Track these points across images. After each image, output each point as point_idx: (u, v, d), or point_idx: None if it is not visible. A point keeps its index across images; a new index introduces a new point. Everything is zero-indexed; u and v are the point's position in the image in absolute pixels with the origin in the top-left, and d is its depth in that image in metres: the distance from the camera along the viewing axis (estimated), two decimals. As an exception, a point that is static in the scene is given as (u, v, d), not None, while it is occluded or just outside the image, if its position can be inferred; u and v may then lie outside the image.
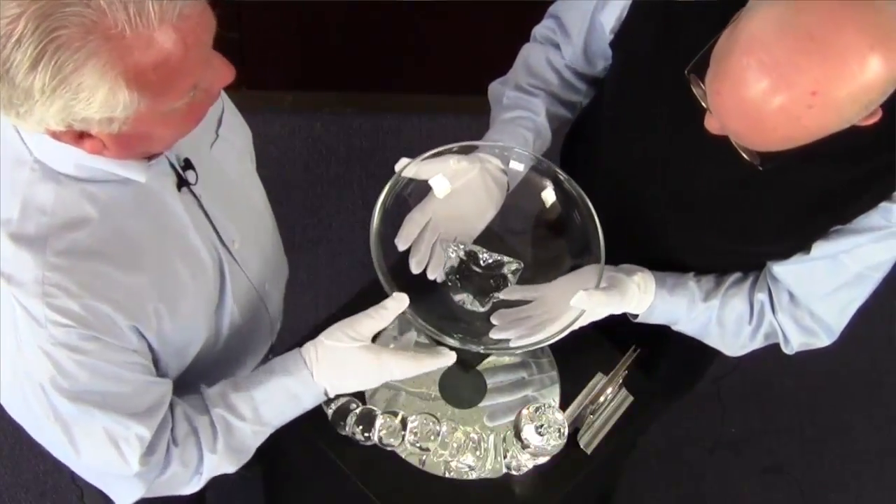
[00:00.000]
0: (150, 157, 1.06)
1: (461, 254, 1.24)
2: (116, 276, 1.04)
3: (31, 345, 1.02)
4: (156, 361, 1.17)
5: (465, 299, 1.26)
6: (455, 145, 1.25)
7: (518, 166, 1.29)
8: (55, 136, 0.94)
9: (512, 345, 1.22)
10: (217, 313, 1.26)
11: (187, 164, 1.14)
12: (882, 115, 1.00)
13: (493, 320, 1.24)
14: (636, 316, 1.35)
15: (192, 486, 1.23)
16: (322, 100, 2.68)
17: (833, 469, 2.40)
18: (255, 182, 1.36)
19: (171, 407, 1.19)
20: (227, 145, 1.21)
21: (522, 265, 1.26)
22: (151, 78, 0.88)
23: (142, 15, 0.85)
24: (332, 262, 2.50)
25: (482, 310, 1.26)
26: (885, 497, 2.38)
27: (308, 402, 1.24)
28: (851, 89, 0.93)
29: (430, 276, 1.25)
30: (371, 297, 1.43)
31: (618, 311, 1.30)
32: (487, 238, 1.28)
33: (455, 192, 1.25)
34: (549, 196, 1.29)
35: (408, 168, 1.23)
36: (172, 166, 1.12)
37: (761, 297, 1.33)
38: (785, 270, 1.29)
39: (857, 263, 1.23)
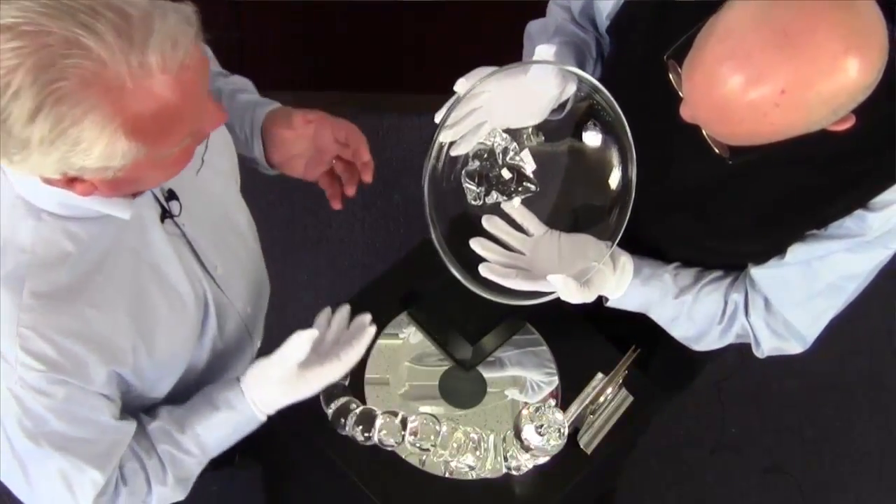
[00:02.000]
0: (134, 195, 1.05)
1: (502, 142, 1.25)
2: (93, 316, 1.03)
3: (2, 384, 1.01)
4: (128, 393, 1.16)
5: (471, 188, 1.26)
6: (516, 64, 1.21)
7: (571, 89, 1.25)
8: (47, 181, 0.92)
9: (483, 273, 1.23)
10: (199, 342, 1.25)
11: (171, 195, 1.13)
12: (856, 121, 0.99)
13: (482, 271, 1.23)
14: (607, 300, 1.35)
15: None
16: (322, 100, 2.67)
17: (833, 469, 2.39)
18: (239, 205, 1.34)
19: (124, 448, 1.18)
20: (212, 170, 1.19)
21: (537, 190, 1.27)
22: (151, 128, 0.88)
23: (143, 66, 0.84)
24: (332, 263, 2.50)
25: (476, 203, 1.27)
26: (885, 497, 2.38)
27: (248, 431, 1.27)
28: (820, 91, 0.92)
29: (455, 152, 1.23)
30: (371, 296, 1.44)
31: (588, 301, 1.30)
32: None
33: (509, 84, 1.21)
34: (610, 161, 1.26)
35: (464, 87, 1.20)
36: (156, 198, 1.11)
37: (736, 297, 1.33)
38: (761, 274, 1.29)
39: (831, 273, 1.23)
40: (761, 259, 1.29)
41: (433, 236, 1.21)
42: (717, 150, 1.08)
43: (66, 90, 0.82)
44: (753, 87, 0.93)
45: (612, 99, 1.19)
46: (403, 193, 2.50)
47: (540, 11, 1.46)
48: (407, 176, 2.54)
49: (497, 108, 1.22)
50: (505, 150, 1.26)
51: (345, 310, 1.34)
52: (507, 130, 1.26)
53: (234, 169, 1.31)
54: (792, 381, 2.47)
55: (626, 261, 1.31)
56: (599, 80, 1.20)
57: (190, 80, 0.88)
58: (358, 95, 2.69)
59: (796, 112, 0.94)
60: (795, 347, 1.34)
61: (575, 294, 1.23)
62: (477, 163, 1.26)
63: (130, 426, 1.17)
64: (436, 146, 1.19)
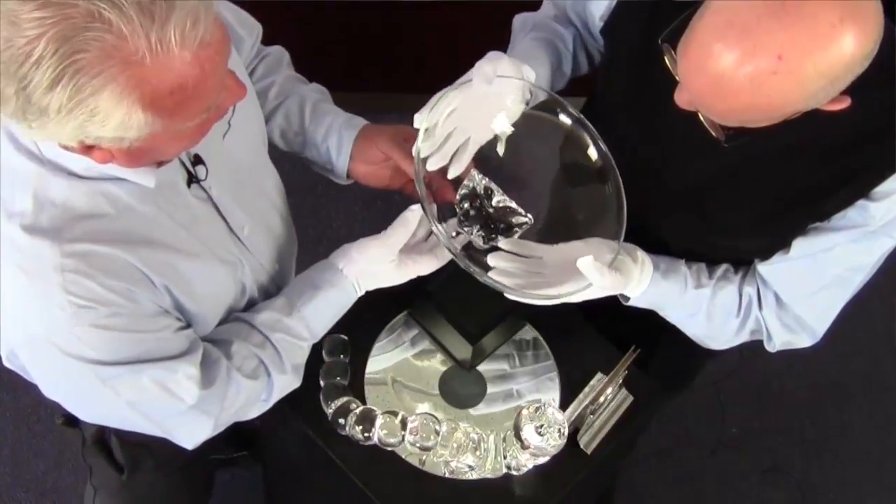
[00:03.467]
0: (159, 163, 1.06)
1: (480, 184, 1.25)
2: (130, 260, 1.06)
3: (59, 330, 1.03)
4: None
5: (471, 231, 1.27)
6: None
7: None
8: (65, 147, 0.95)
9: (508, 295, 1.23)
10: (237, 294, 1.28)
11: (196, 160, 1.15)
12: (853, 110, 1.00)
13: (490, 261, 1.24)
14: (628, 298, 1.34)
15: (257, 412, 1.28)
16: (322, 100, 2.68)
17: (833, 469, 2.39)
18: (267, 168, 1.37)
19: (228, 344, 1.22)
20: (239, 134, 1.21)
21: (532, 222, 1.27)
22: (168, 103, 0.89)
23: (163, 42, 0.85)
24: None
25: (483, 246, 1.27)
26: (885, 497, 2.38)
27: (346, 307, 1.32)
28: (817, 60, 0.92)
29: (452, 174, 1.25)
30: (372, 296, 1.43)
31: (615, 293, 1.29)
32: (510, 181, 1.28)
33: (473, 97, 1.22)
34: (590, 154, 1.27)
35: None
36: (182, 163, 1.13)
37: (750, 290, 1.33)
38: (768, 270, 1.29)
39: (836, 265, 1.23)
40: (766, 255, 1.29)
41: (461, 264, 1.20)
42: (712, 132, 1.08)
43: (86, 61, 0.83)
44: (750, 56, 0.93)
45: (555, 96, 1.23)
46: (403, 194, 2.50)
47: (539, 11, 1.46)
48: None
49: (471, 123, 1.23)
50: (487, 190, 1.27)
51: (418, 210, 1.35)
52: (480, 164, 1.26)
53: (261, 132, 1.33)
54: (792, 381, 2.47)
55: (643, 255, 1.30)
56: (596, 85, 1.21)
57: (209, 58, 0.89)
58: (358, 95, 2.69)
59: (793, 81, 0.94)
60: (806, 341, 1.34)
61: (607, 277, 1.20)
62: (467, 204, 1.27)
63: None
64: (422, 184, 1.18)
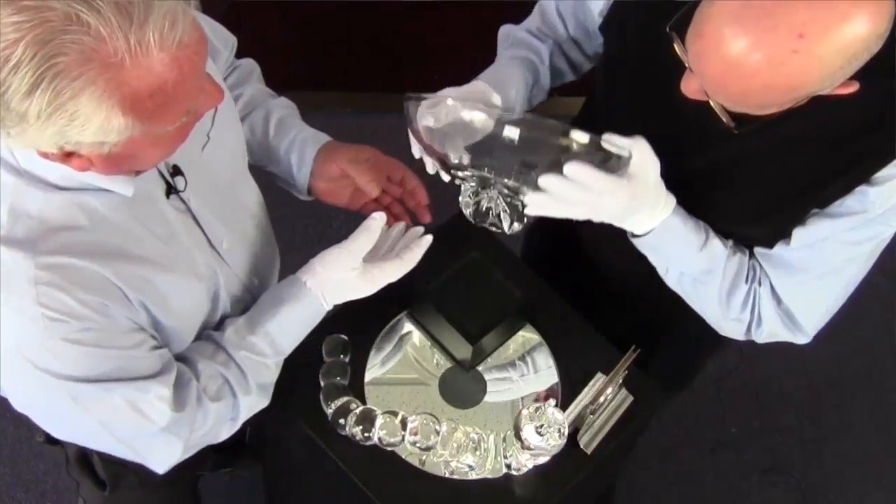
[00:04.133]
0: (136, 172, 1.05)
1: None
2: (105, 274, 1.05)
3: (31, 344, 1.02)
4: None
5: (497, 221, 1.26)
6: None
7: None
8: (43, 154, 0.94)
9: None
10: (212, 309, 1.26)
11: (176, 171, 1.13)
12: (860, 88, 1.00)
13: (542, 182, 1.15)
14: (637, 237, 1.27)
15: (230, 432, 1.26)
16: (322, 100, 2.68)
17: (833, 469, 2.39)
18: (247, 181, 1.35)
19: (195, 364, 1.20)
20: (218, 147, 1.20)
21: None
22: (147, 105, 0.88)
23: (142, 44, 0.85)
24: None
25: (513, 229, 1.27)
26: (885, 497, 2.38)
27: (315, 323, 1.30)
28: (836, 38, 0.93)
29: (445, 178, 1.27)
30: (371, 296, 1.43)
31: (624, 206, 1.18)
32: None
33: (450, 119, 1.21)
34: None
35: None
36: (161, 174, 1.12)
37: (755, 264, 1.30)
38: (764, 255, 1.27)
39: (832, 254, 1.21)
40: (764, 244, 1.28)
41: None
42: (723, 120, 1.07)
43: (65, 64, 0.83)
44: (770, 35, 0.93)
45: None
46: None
47: (539, 12, 1.46)
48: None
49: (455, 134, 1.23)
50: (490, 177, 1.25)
51: (400, 224, 1.37)
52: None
53: (241, 145, 1.32)
54: (792, 381, 2.47)
55: (665, 191, 1.22)
56: (596, 84, 1.20)
57: (188, 59, 0.89)
58: (358, 95, 2.70)
59: (812, 59, 0.94)
60: (795, 334, 1.31)
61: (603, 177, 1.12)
62: (480, 192, 1.25)
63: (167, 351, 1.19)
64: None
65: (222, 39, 1.35)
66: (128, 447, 1.17)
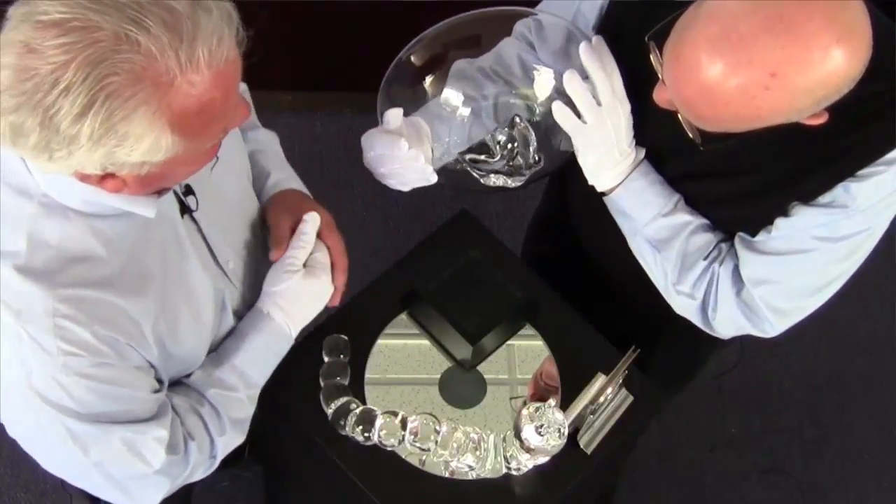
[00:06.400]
0: (160, 192, 1.05)
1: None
2: (122, 306, 1.04)
3: (42, 375, 1.01)
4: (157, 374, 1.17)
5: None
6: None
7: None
8: (83, 178, 0.92)
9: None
10: (217, 329, 1.26)
11: (188, 190, 1.13)
12: (829, 115, 1.01)
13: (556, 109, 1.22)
14: (604, 194, 1.30)
15: (206, 472, 1.25)
16: (322, 100, 2.68)
17: (833, 469, 2.39)
18: (252, 200, 1.34)
19: (172, 402, 1.19)
20: (226, 167, 1.20)
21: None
22: (195, 124, 0.88)
23: (192, 62, 0.85)
24: (332, 262, 2.50)
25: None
26: (885, 497, 2.38)
27: (284, 350, 1.28)
28: (809, 79, 0.94)
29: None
30: (371, 296, 1.44)
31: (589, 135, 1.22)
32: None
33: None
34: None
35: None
36: (175, 193, 1.12)
37: (723, 246, 1.29)
38: (742, 245, 1.26)
39: (807, 245, 1.20)
40: (750, 231, 1.26)
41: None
42: (689, 134, 1.09)
43: (118, 85, 0.82)
44: (745, 69, 0.94)
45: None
46: (403, 193, 2.50)
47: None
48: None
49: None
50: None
51: (313, 220, 1.31)
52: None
53: (245, 164, 1.32)
54: (792, 381, 2.47)
55: (638, 151, 1.27)
56: None
57: (231, 76, 0.90)
58: (358, 95, 2.69)
59: (784, 97, 0.96)
60: (759, 327, 1.29)
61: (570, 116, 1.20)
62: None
63: (165, 386, 1.18)
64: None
65: None
66: (118, 488, 1.15)
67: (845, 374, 2.50)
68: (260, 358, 1.26)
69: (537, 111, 1.30)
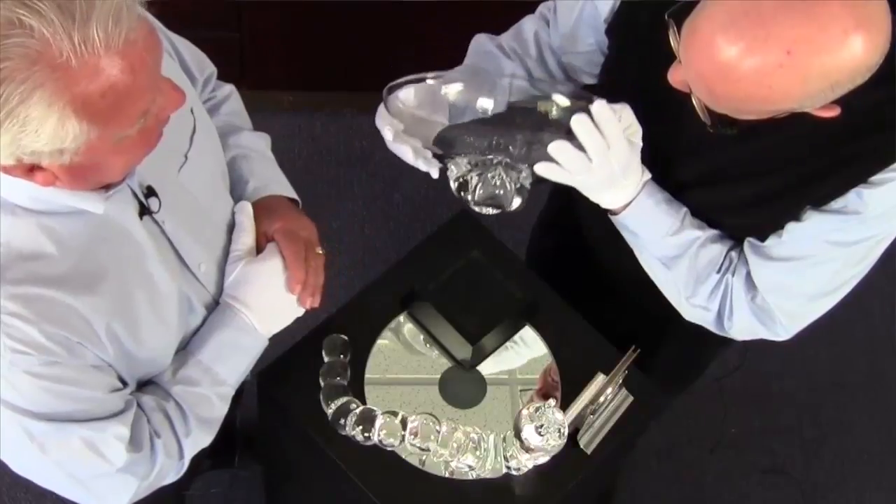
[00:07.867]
0: (107, 188, 1.04)
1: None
2: (72, 304, 1.03)
3: None
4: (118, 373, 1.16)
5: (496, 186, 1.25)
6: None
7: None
8: (6, 170, 0.92)
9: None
10: (183, 333, 1.24)
11: (150, 192, 1.12)
12: (842, 111, 1.01)
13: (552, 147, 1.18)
14: (614, 213, 1.29)
15: (177, 473, 1.23)
16: (322, 100, 2.68)
17: (833, 469, 2.40)
18: (228, 203, 1.31)
19: (139, 400, 1.18)
20: (196, 168, 1.19)
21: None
22: (100, 106, 0.87)
23: (87, 43, 0.84)
24: (331, 262, 2.48)
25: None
26: (885, 497, 2.38)
27: (255, 349, 1.25)
28: (824, 61, 0.94)
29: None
30: (372, 297, 1.44)
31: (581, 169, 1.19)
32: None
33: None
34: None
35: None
36: (134, 194, 1.10)
37: (734, 255, 1.29)
38: (752, 250, 1.26)
39: (819, 250, 1.20)
40: (760, 236, 1.26)
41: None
42: (700, 116, 1.08)
43: (10, 70, 0.82)
44: (761, 45, 0.94)
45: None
46: (403, 193, 2.50)
47: (539, 11, 1.46)
48: (407, 176, 2.54)
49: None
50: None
51: (241, 209, 1.30)
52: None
53: (220, 167, 1.30)
54: (792, 381, 2.47)
55: (644, 172, 1.25)
56: (600, 86, 1.20)
57: (137, 56, 0.88)
58: (358, 95, 2.69)
59: (797, 78, 0.96)
60: (773, 332, 1.29)
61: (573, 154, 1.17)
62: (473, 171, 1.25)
63: (130, 388, 1.17)
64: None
65: (199, 66, 1.32)
66: (83, 488, 1.14)
67: (845, 374, 2.50)
68: (226, 353, 1.23)
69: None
